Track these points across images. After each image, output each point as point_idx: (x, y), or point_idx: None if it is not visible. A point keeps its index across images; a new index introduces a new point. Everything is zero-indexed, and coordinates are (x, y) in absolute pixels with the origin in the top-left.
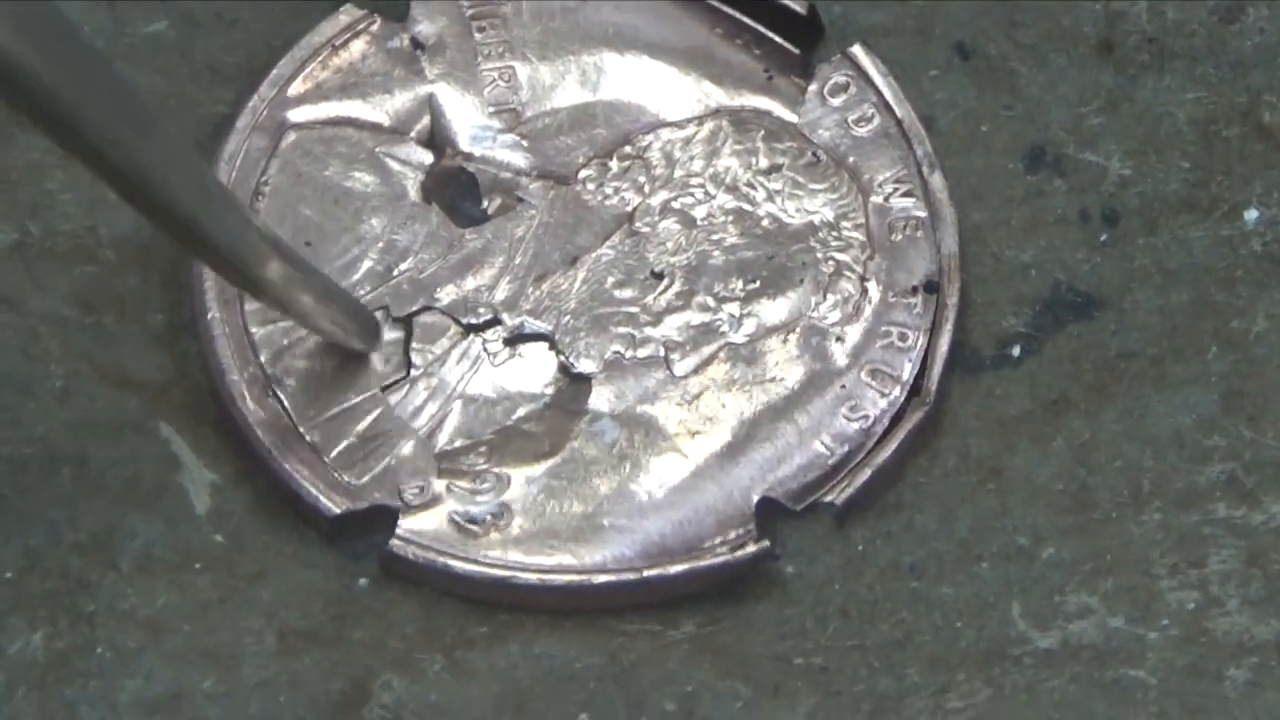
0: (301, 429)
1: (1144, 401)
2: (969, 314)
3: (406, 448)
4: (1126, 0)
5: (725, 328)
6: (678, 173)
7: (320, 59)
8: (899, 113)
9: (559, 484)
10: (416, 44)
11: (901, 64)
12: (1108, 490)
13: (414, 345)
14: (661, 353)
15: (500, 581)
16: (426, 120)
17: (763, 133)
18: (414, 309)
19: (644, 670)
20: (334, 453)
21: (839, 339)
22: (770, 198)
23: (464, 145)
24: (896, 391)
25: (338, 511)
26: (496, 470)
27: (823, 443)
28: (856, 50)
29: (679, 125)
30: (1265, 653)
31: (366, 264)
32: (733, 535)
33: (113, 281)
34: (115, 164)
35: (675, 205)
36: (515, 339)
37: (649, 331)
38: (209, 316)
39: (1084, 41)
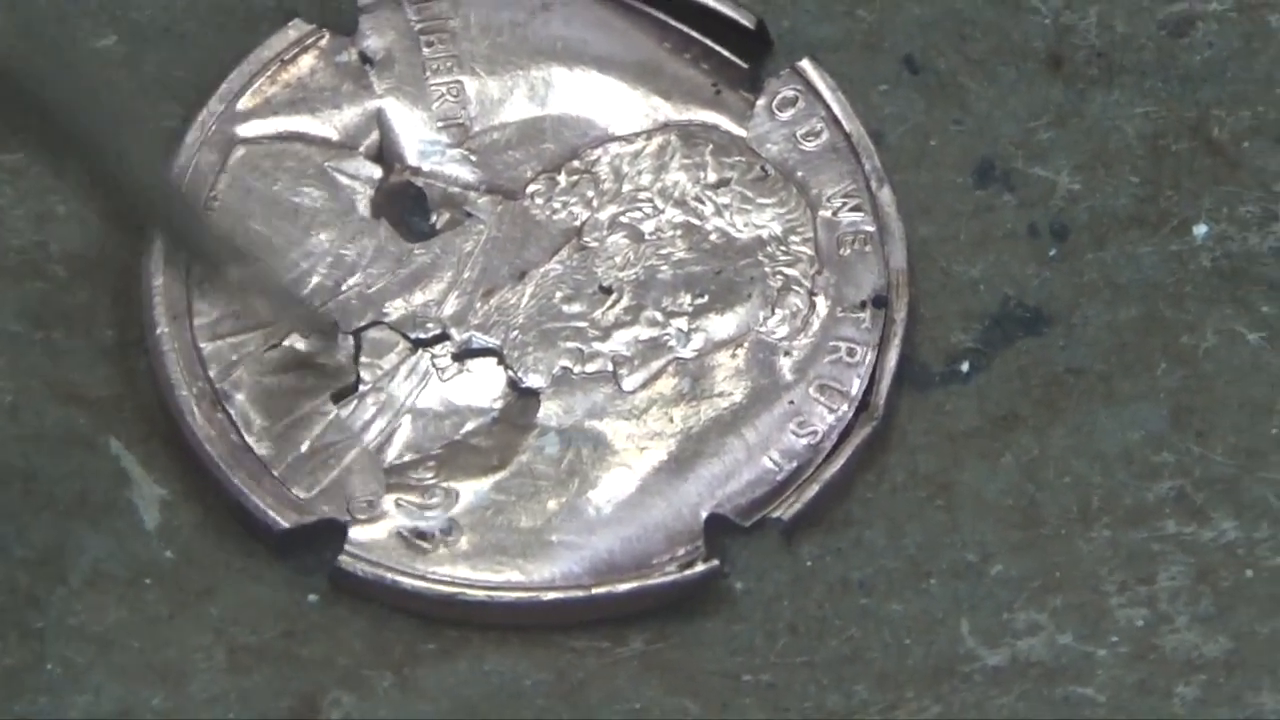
0: (250, 443)
1: (1093, 417)
2: (918, 329)
3: (355, 462)
4: (1076, 14)
5: (673, 342)
6: (626, 187)
7: (269, 74)
8: (848, 127)
9: (507, 499)
10: (365, 59)
11: (850, 78)
12: (1057, 506)
13: (363, 360)
14: (610, 368)
15: (448, 598)
16: (375, 135)
17: (711, 147)
18: (363, 324)
19: (592, 687)
20: (283, 467)
21: (787, 354)
22: (719, 212)
23: (412, 160)
24: (845, 407)
25: (286, 526)
26: (445, 485)
27: (771, 458)
28: (805, 65)
29: (627, 139)
30: (1214, 670)
31: (315, 279)
32: (681, 552)
33: (62, 297)
34: (78, 162)
35: (623, 220)
36: (464, 354)
37: (597, 346)
38: (158, 332)
39: (1033, 56)
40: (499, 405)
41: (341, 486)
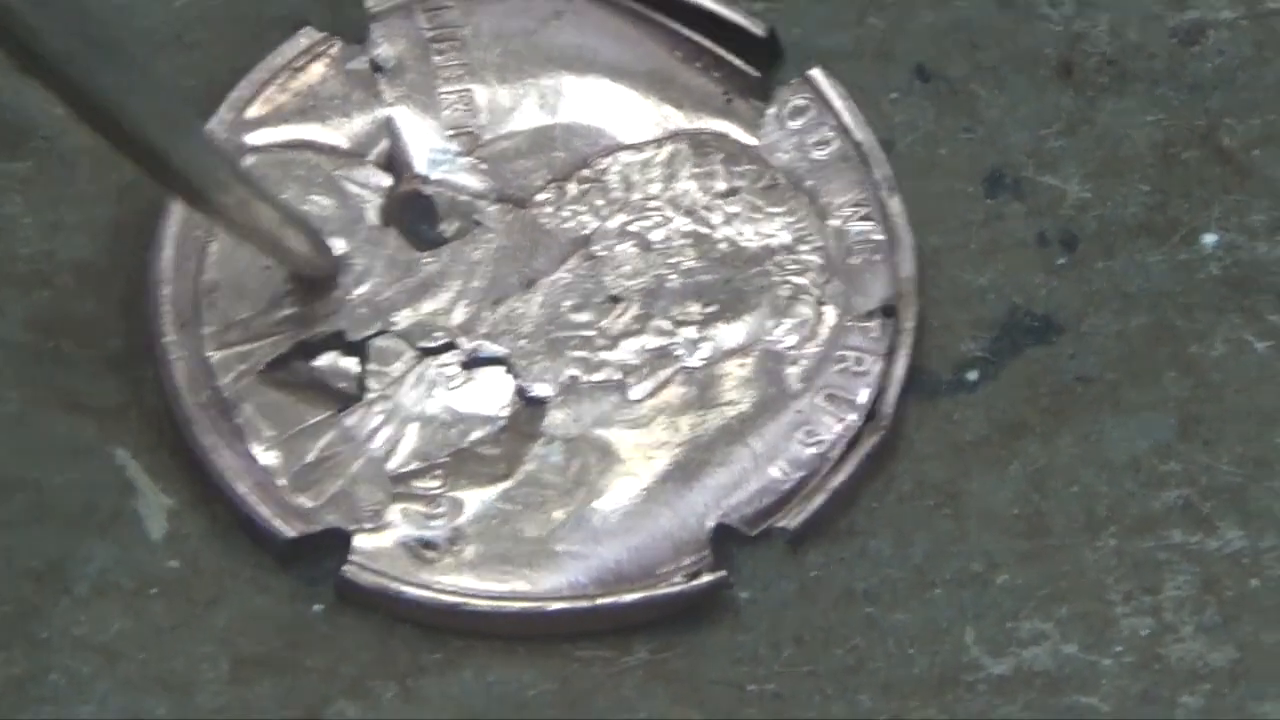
0: (257, 452)
1: (1100, 427)
2: (926, 338)
3: (361, 471)
4: (1087, 22)
5: (681, 351)
6: (635, 196)
7: (279, 82)
8: (858, 136)
9: (513, 508)
10: (376, 67)
11: (861, 87)
12: (1063, 516)
13: (370, 369)
14: (617, 376)
15: (453, 608)
16: (385, 143)
17: (721, 156)
18: (370, 332)
19: (597, 697)
20: (289, 476)
21: (795, 363)
22: (728, 221)
23: (422, 168)
24: (852, 416)
25: (292, 535)
26: (451, 494)
27: (778, 468)
28: (816, 73)
29: (637, 148)
30: (1219, 680)
31: None
32: (688, 562)
33: (69, 306)
34: (75, 85)
35: (632, 229)
36: (471, 362)
37: (605, 355)
38: (165, 341)
39: (1044, 63)
40: (506, 414)
41: (347, 496)
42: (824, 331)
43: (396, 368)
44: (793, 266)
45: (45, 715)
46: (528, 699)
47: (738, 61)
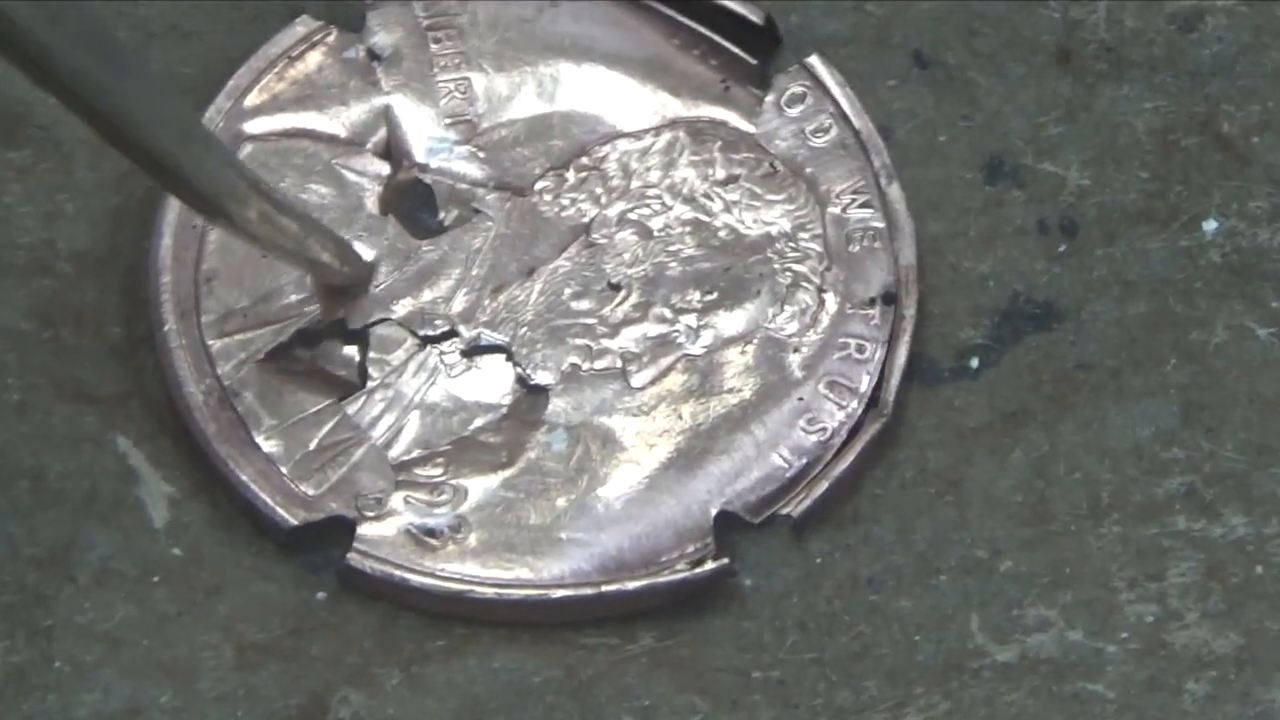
0: (259, 440)
1: (1102, 413)
2: (927, 325)
3: (364, 459)
4: (1085, 9)
5: (682, 339)
6: (634, 184)
7: (276, 70)
8: (856, 123)
9: (516, 496)
10: (373, 55)
11: (859, 74)
12: (1066, 502)
13: (371, 356)
14: (619, 364)
15: (457, 595)
16: (383, 132)
17: (720, 143)
18: (371, 321)
19: (602, 684)
20: (291, 464)
21: (796, 350)
22: (727, 209)
23: (420, 157)
24: (854, 403)
25: (294, 523)
26: (454, 482)
27: (780, 455)
28: (814, 60)
29: (636, 136)
30: (1224, 666)
31: None
32: (691, 549)
33: (70, 295)
34: (94, 104)
35: (632, 216)
36: (472, 350)
37: (606, 343)
38: (166, 329)
39: (1042, 50)
40: (508, 402)
41: (350, 483)
42: (825, 319)
43: (397, 356)
44: (793, 254)
45: (49, 703)
46: (532, 686)
47: (736, 49)
